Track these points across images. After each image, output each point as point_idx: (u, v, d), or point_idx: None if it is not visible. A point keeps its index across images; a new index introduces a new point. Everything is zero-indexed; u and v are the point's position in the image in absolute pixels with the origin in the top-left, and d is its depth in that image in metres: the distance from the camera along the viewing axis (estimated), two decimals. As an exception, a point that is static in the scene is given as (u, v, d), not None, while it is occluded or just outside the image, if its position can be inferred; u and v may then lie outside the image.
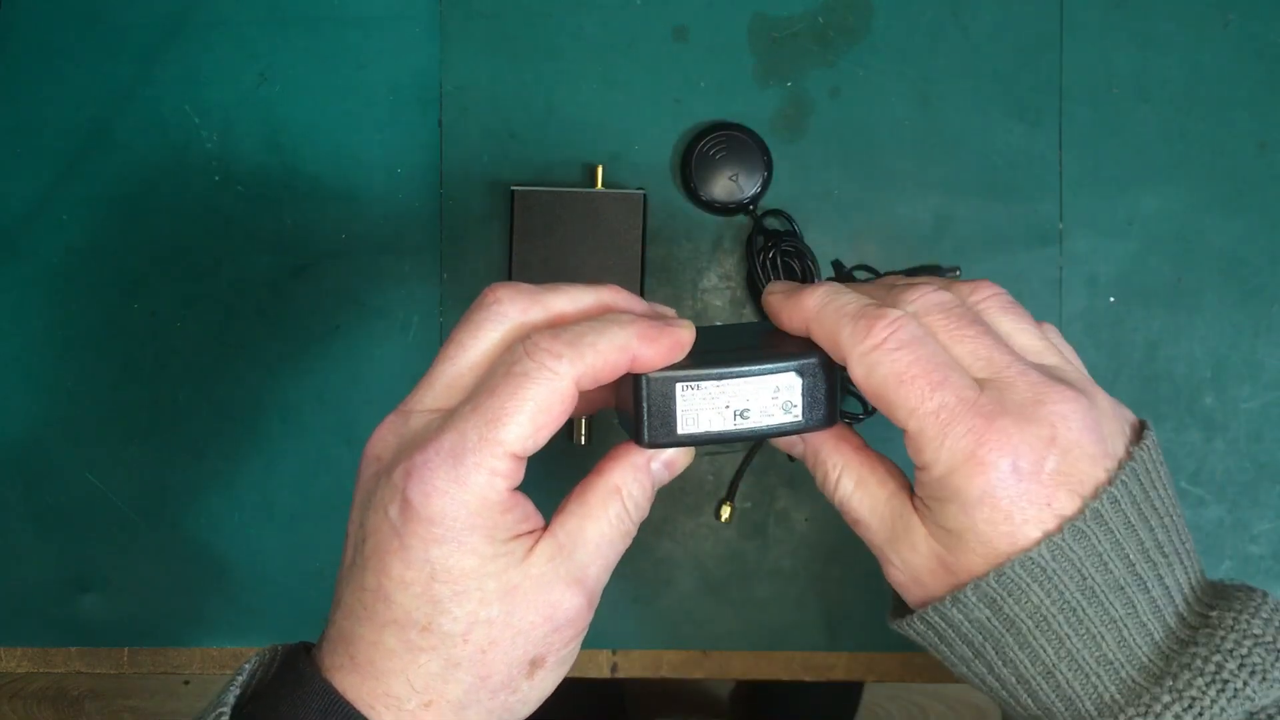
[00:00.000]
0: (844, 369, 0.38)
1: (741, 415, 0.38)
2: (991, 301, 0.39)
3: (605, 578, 0.37)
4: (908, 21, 0.56)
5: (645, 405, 0.37)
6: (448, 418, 0.35)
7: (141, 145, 0.56)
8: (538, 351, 0.35)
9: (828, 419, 0.38)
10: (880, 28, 0.56)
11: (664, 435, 0.37)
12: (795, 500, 0.57)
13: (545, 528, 0.36)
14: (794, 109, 0.56)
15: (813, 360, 0.38)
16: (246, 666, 0.37)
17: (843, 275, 0.56)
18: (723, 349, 0.38)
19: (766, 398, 0.38)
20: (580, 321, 0.36)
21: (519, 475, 0.35)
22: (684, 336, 0.37)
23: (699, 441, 0.38)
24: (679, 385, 0.37)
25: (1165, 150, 0.57)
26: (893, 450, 0.40)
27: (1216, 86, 0.57)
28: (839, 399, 0.39)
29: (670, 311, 0.40)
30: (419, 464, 0.34)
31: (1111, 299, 0.57)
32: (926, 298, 0.38)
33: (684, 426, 0.37)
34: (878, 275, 0.56)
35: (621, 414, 0.40)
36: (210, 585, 0.57)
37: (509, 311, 0.37)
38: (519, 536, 0.35)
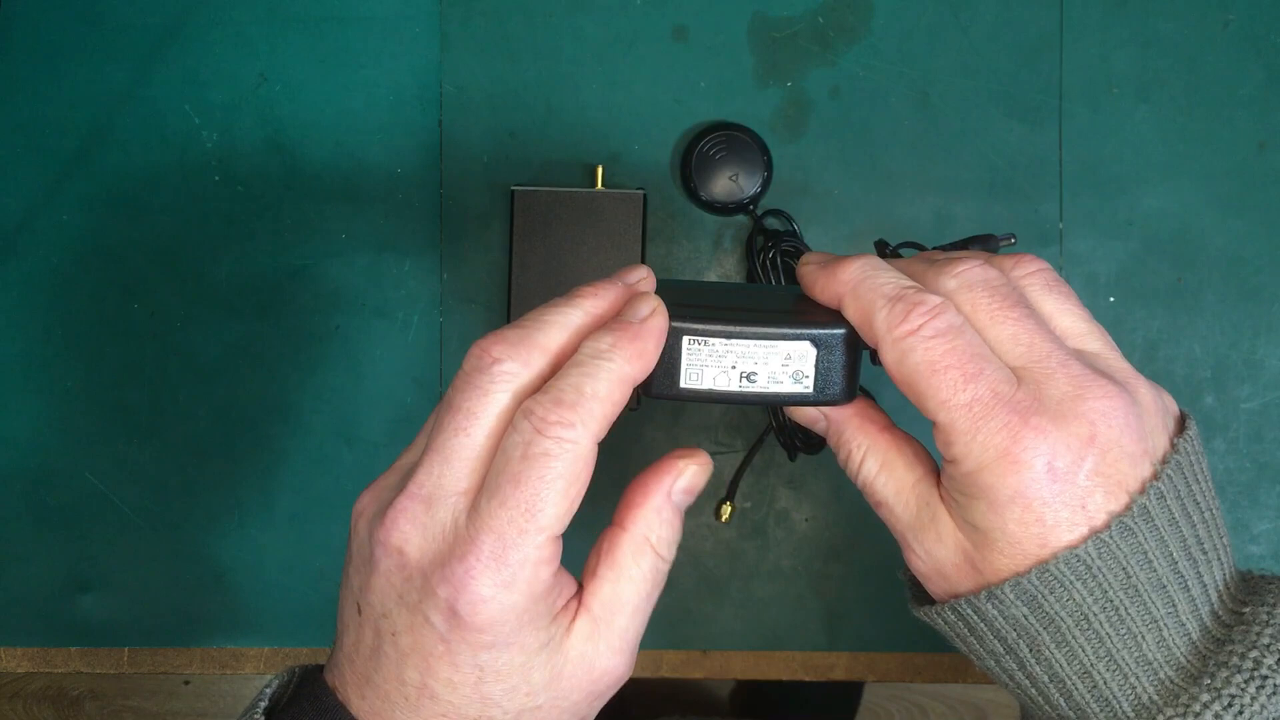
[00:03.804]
0: (871, 349, 0.37)
1: (748, 378, 0.37)
2: (1035, 278, 0.38)
3: (644, 627, 0.37)
4: (908, 21, 0.56)
5: None
6: (475, 515, 0.33)
7: (141, 145, 0.56)
8: (549, 427, 0.33)
9: (844, 395, 0.37)
10: (880, 28, 0.56)
11: (667, 387, 0.37)
12: (795, 500, 0.57)
13: (578, 595, 0.35)
14: (794, 109, 0.56)
15: (836, 333, 0.37)
16: (269, 691, 0.36)
17: (886, 255, 0.55)
18: (744, 308, 0.37)
19: (776, 364, 0.37)
20: (568, 371, 0.34)
21: (560, 551, 0.34)
22: (655, 325, 0.35)
23: (702, 398, 0.37)
24: (685, 339, 0.36)
25: (1165, 150, 0.57)
26: (918, 430, 0.40)
27: (1216, 86, 0.57)
28: (859, 375, 0.38)
29: (639, 274, 0.37)
30: (461, 575, 0.33)
31: (1111, 299, 0.57)
32: (970, 272, 0.36)
33: (687, 381, 0.37)
34: (923, 251, 0.55)
35: None
36: (210, 585, 0.57)
37: (512, 369, 0.34)
38: (558, 615, 0.35)
